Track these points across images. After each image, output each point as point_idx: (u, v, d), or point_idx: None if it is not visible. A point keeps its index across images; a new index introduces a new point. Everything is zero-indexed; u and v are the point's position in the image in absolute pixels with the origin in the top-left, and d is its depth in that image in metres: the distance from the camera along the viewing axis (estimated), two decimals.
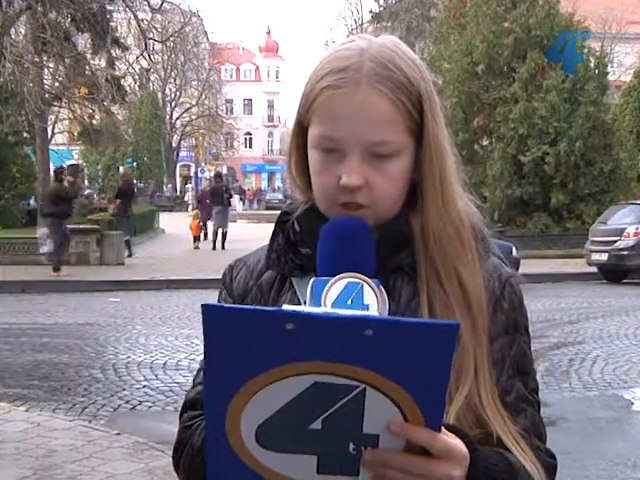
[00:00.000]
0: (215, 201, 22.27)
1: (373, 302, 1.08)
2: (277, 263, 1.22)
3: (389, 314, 1.10)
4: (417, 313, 1.14)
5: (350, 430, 0.91)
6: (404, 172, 1.15)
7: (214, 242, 22.14)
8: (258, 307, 0.96)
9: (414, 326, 0.88)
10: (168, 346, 9.10)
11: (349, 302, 1.07)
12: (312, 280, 1.12)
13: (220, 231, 22.24)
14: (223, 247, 21.89)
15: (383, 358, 0.87)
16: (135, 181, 25.37)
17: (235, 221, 36.55)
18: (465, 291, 1.15)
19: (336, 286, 1.08)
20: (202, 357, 0.93)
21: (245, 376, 0.88)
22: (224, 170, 68.38)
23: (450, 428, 0.97)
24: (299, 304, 1.18)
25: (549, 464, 1.16)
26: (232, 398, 0.90)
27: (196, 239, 23.22)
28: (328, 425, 0.90)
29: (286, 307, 0.91)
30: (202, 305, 0.87)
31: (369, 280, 1.09)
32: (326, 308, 1.07)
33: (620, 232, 16.10)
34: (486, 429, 1.10)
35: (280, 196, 61.21)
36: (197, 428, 1.19)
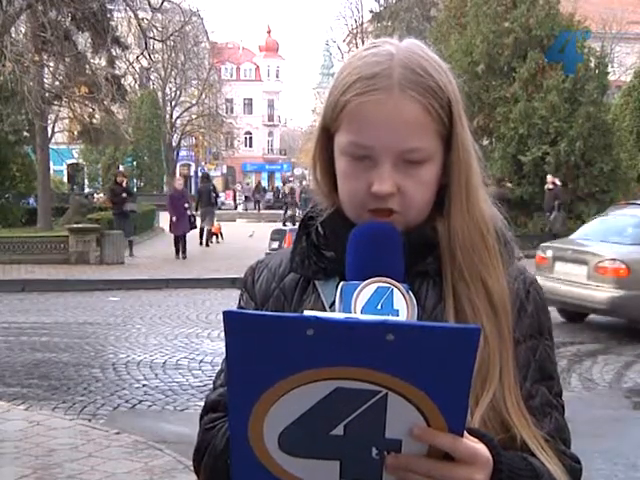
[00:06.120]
0: (203, 201, 22.80)
1: (403, 307, 1.07)
2: (301, 266, 1.22)
3: (417, 319, 1.09)
4: (443, 318, 1.14)
5: (372, 435, 0.90)
6: (434, 177, 1.15)
7: (200, 239, 22.57)
8: (278, 313, 0.95)
9: (435, 330, 0.87)
10: (168, 345, 9.09)
11: (379, 307, 1.07)
12: (341, 284, 1.11)
13: (206, 229, 22.86)
14: (207, 244, 22.61)
15: (404, 363, 0.86)
16: (135, 180, 25.28)
17: (235, 220, 36.86)
18: (490, 295, 1.14)
19: (366, 291, 1.08)
20: (220, 359, 0.92)
21: (267, 382, 0.88)
22: (224, 169, 68.48)
23: (473, 432, 0.96)
24: (323, 307, 1.17)
25: (573, 469, 1.15)
26: (255, 404, 0.89)
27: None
28: (350, 430, 0.89)
29: (307, 313, 0.90)
30: (223, 312, 0.86)
31: (399, 285, 1.08)
32: (356, 313, 1.06)
33: None
34: (511, 433, 1.10)
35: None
36: (219, 430, 1.18)
